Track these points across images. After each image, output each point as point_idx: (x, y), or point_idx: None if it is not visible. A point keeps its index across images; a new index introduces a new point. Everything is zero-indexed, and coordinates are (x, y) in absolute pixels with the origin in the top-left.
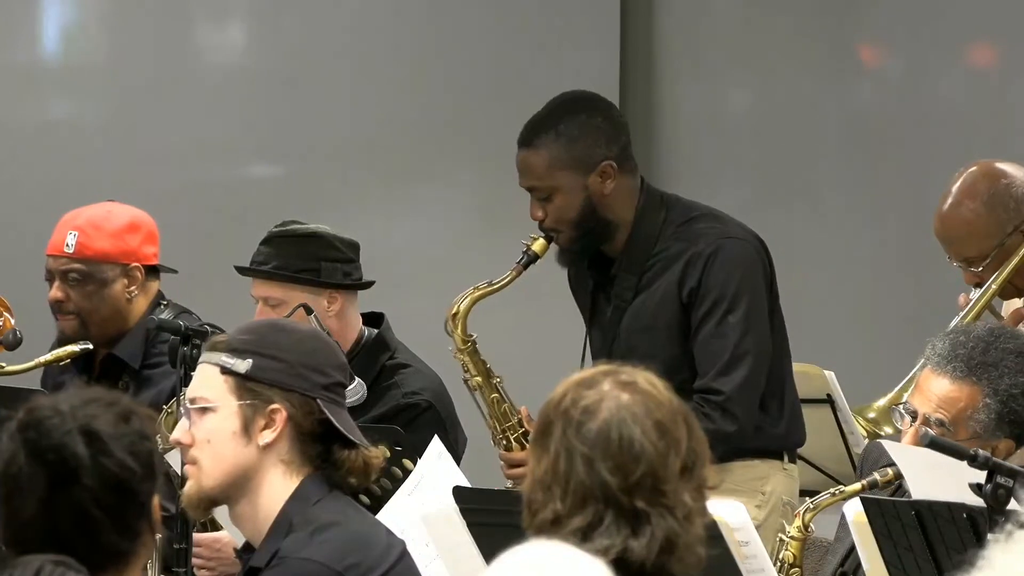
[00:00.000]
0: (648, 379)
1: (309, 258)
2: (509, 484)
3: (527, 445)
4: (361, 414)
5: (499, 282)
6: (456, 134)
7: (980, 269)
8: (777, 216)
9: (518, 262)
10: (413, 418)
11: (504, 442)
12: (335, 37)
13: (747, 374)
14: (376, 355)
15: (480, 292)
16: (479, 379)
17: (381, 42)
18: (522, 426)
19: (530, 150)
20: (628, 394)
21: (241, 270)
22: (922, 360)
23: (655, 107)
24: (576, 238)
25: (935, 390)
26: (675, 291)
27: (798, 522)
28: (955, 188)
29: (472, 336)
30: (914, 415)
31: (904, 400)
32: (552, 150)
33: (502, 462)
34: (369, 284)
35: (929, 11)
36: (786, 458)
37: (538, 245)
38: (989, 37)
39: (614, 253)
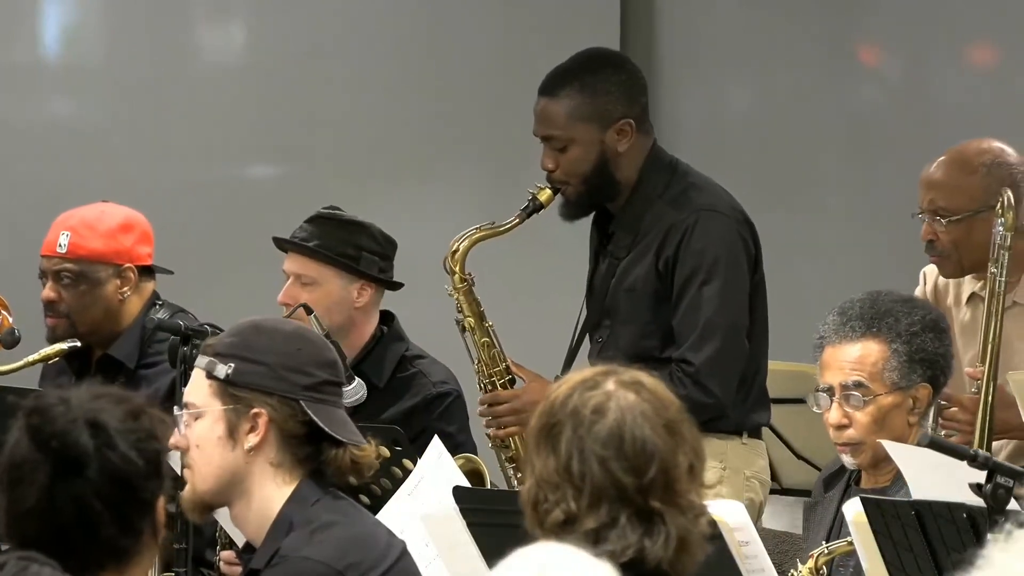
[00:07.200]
0: (650, 378)
1: (351, 244)
2: (484, 424)
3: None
4: (389, 405)
5: (502, 226)
6: (457, 134)
7: (944, 224)
8: (776, 216)
9: (522, 209)
10: (446, 406)
11: (489, 387)
12: (335, 37)
13: (719, 347)
14: (396, 347)
15: (482, 233)
16: (471, 320)
17: (381, 41)
18: (508, 373)
19: (551, 99)
20: (634, 394)
21: (280, 242)
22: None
23: (655, 107)
24: (583, 192)
25: (842, 357)
26: (653, 259)
27: (811, 564)
28: (970, 142)
29: (470, 275)
30: (830, 391)
31: (816, 388)
32: (574, 101)
33: (482, 404)
34: (399, 286)
35: (929, 11)
36: (745, 435)
37: (544, 195)
38: (989, 37)
39: (617, 211)
